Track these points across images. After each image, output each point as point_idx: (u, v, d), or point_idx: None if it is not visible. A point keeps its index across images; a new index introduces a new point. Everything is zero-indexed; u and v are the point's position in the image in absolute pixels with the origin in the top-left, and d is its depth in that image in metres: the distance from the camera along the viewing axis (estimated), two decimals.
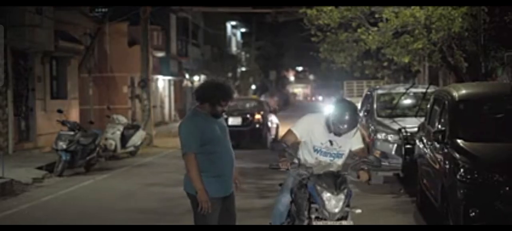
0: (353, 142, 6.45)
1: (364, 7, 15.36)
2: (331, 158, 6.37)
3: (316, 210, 5.95)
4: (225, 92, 6.32)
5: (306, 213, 6.03)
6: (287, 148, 6.26)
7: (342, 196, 5.93)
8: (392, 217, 9.92)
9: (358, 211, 6.06)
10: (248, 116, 21.11)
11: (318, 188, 5.96)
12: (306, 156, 6.44)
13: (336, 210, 5.90)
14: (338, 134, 6.29)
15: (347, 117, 6.17)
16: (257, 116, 21.13)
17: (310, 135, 6.40)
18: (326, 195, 5.92)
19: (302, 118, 6.60)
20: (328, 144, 6.35)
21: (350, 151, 6.50)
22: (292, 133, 6.46)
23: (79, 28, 23.96)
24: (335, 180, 6.00)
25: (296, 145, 6.52)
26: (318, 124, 6.41)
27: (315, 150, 6.39)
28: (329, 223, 5.88)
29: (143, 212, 10.71)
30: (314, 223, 5.91)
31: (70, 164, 15.05)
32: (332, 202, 5.91)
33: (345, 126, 6.19)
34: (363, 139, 6.51)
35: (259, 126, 21.05)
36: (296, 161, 6.29)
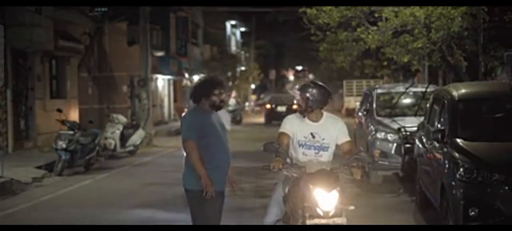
0: (339, 135, 6.45)
1: (364, 6, 15.34)
2: (316, 151, 6.39)
3: (310, 208, 5.97)
4: (215, 82, 6.62)
5: (300, 211, 6.06)
6: (279, 148, 6.31)
7: (335, 194, 5.96)
8: (391, 217, 9.92)
9: (351, 207, 6.09)
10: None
11: (311, 186, 5.99)
12: (296, 154, 6.47)
13: (329, 208, 5.93)
14: (315, 118, 6.38)
15: (312, 82, 6.54)
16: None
17: (294, 131, 6.46)
18: (319, 193, 5.95)
19: (284, 119, 6.66)
20: (310, 136, 6.39)
21: (338, 146, 6.49)
22: (283, 133, 6.47)
23: (78, 27, 23.95)
24: (327, 178, 6.03)
25: (287, 145, 6.53)
26: (298, 119, 6.50)
27: (300, 145, 6.43)
28: (323, 221, 5.90)
29: (142, 211, 10.70)
30: (308, 221, 5.92)
31: (70, 163, 15.04)
32: (325, 200, 5.94)
33: (315, 90, 6.34)
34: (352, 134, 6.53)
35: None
36: (288, 160, 6.35)
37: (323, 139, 6.40)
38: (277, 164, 6.20)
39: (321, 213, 5.92)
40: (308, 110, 6.39)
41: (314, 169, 6.22)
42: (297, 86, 6.55)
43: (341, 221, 5.93)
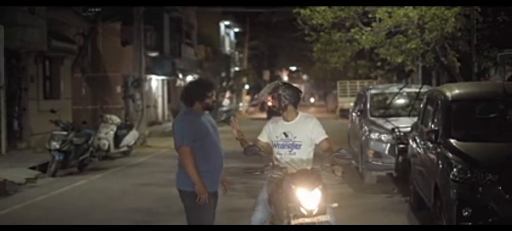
0: (313, 134, 6.51)
1: (358, 7, 15.34)
2: (289, 149, 6.50)
3: (294, 208, 6.00)
4: (207, 84, 6.69)
5: (284, 212, 6.11)
6: (259, 151, 6.46)
7: (317, 192, 6.01)
8: (385, 217, 9.93)
9: (335, 205, 6.18)
10: None
11: (293, 186, 6.04)
12: (274, 155, 6.58)
13: (313, 207, 5.98)
14: (289, 118, 6.52)
15: (281, 82, 6.77)
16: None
17: (269, 134, 6.66)
18: (302, 192, 5.99)
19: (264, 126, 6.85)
20: (283, 135, 6.52)
21: (316, 146, 6.54)
22: (257, 139, 6.72)
23: (72, 28, 23.90)
24: (309, 177, 6.09)
25: (266, 149, 6.66)
26: (274, 123, 6.67)
27: (274, 145, 6.58)
28: (307, 220, 5.95)
29: (136, 212, 10.70)
30: (293, 221, 5.98)
31: (63, 164, 15.01)
32: (308, 198, 6.00)
33: (286, 88, 6.55)
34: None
35: None
36: (270, 163, 6.44)
37: (295, 137, 6.49)
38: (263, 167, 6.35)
39: (305, 212, 5.99)
40: (282, 107, 6.53)
41: (295, 169, 6.31)
42: (267, 91, 6.66)
43: (325, 219, 6.01)
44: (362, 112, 14.36)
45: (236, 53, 57.05)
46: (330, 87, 59.54)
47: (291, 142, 6.49)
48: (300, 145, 6.48)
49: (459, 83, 12.49)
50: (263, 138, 6.69)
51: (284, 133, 6.51)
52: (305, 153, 6.48)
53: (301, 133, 6.49)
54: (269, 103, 6.63)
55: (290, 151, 6.48)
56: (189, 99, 6.55)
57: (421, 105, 10.78)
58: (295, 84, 6.97)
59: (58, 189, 13.21)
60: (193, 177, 6.34)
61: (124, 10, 25.41)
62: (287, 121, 6.56)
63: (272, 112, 6.75)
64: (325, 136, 6.54)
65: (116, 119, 19.50)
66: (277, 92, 6.52)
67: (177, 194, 6.66)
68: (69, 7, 22.33)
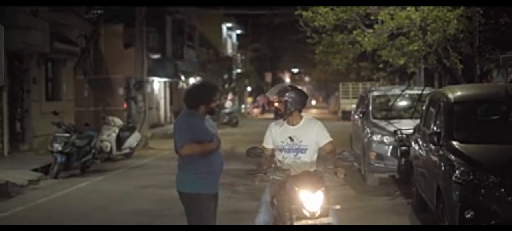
0: (318, 137, 6.52)
1: (360, 9, 15.33)
2: (294, 153, 6.50)
3: (297, 210, 6.00)
4: (213, 88, 6.68)
5: (287, 214, 6.11)
6: (262, 153, 6.50)
7: (320, 194, 6.01)
8: (387, 219, 9.93)
9: (337, 207, 6.18)
10: None
11: (296, 188, 6.05)
12: (278, 158, 6.59)
13: (315, 208, 5.99)
14: (294, 122, 6.51)
15: (289, 85, 6.78)
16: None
17: (273, 139, 6.63)
18: (304, 194, 5.99)
19: (267, 129, 6.82)
20: (289, 140, 6.52)
21: (319, 148, 6.55)
22: (264, 147, 6.70)
23: (74, 30, 23.91)
24: (311, 179, 6.09)
25: (271, 154, 6.68)
26: (278, 126, 6.66)
27: (280, 149, 6.57)
28: (310, 221, 5.95)
29: (138, 213, 10.70)
30: (295, 223, 5.98)
31: (66, 166, 15.02)
32: (311, 200, 6.00)
33: (293, 93, 6.51)
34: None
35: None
36: (273, 165, 6.46)
37: (300, 141, 6.49)
38: (261, 168, 6.41)
39: (307, 214, 6.00)
40: (287, 112, 6.52)
41: (298, 171, 6.31)
42: (275, 92, 6.64)
43: (327, 220, 6.03)
44: (364, 115, 14.35)
45: (238, 55, 57.07)
46: (332, 89, 59.58)
47: (297, 146, 6.48)
48: (306, 149, 6.48)
49: (461, 85, 12.48)
50: (268, 145, 6.67)
51: (290, 137, 6.50)
52: (309, 156, 6.48)
53: (307, 137, 6.49)
54: (276, 104, 6.62)
55: (295, 155, 6.49)
56: (194, 103, 6.51)
57: (424, 108, 10.78)
58: (299, 87, 6.96)
59: (60, 191, 13.21)
60: (204, 148, 6.33)
61: (126, 12, 25.42)
62: (292, 125, 6.55)
63: (278, 114, 6.76)
64: (330, 139, 6.55)
65: (118, 121, 19.51)
66: (284, 96, 6.50)
67: (178, 196, 6.66)
68: (71, 10, 22.34)
